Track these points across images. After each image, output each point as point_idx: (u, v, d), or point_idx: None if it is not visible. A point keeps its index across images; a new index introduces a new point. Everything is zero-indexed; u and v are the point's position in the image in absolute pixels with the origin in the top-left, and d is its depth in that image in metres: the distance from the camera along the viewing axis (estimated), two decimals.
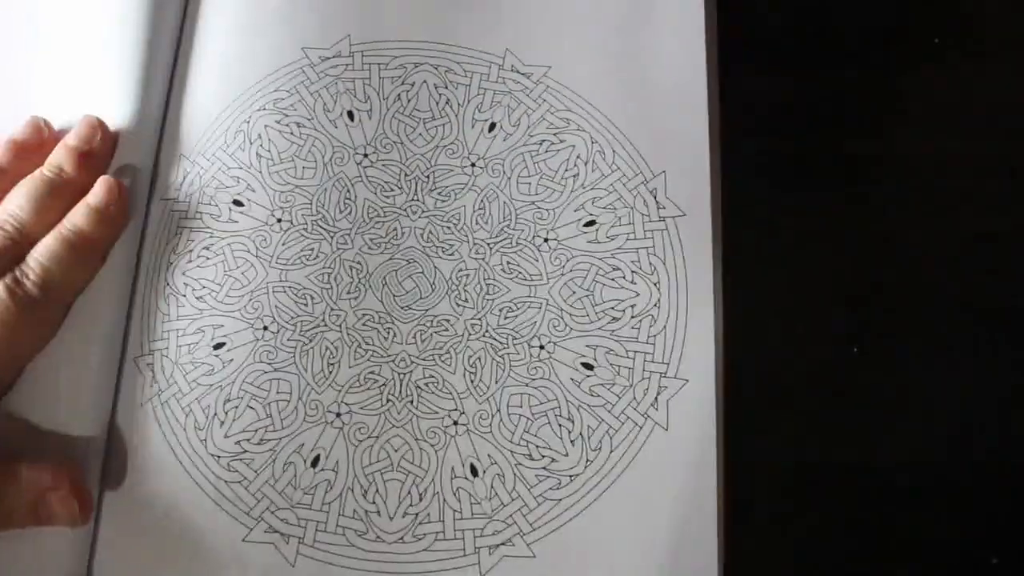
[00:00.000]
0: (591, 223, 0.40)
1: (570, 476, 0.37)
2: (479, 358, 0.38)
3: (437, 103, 0.41)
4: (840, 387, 0.39)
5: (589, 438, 0.38)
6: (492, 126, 0.41)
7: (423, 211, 0.40)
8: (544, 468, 0.37)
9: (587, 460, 0.37)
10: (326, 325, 0.38)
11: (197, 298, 0.39)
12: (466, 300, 0.39)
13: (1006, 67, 0.43)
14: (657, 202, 0.40)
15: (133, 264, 0.39)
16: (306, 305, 0.39)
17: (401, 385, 0.38)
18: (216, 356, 0.38)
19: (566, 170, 0.41)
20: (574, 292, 0.39)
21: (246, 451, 0.37)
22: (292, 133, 0.41)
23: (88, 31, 0.41)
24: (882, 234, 0.41)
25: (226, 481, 0.37)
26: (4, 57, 0.42)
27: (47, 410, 0.35)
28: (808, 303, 0.40)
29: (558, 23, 0.42)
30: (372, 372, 0.38)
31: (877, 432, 0.39)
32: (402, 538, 0.36)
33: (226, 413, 0.38)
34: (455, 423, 0.38)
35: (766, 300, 0.40)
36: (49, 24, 0.42)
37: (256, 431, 0.37)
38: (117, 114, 0.39)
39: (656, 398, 0.38)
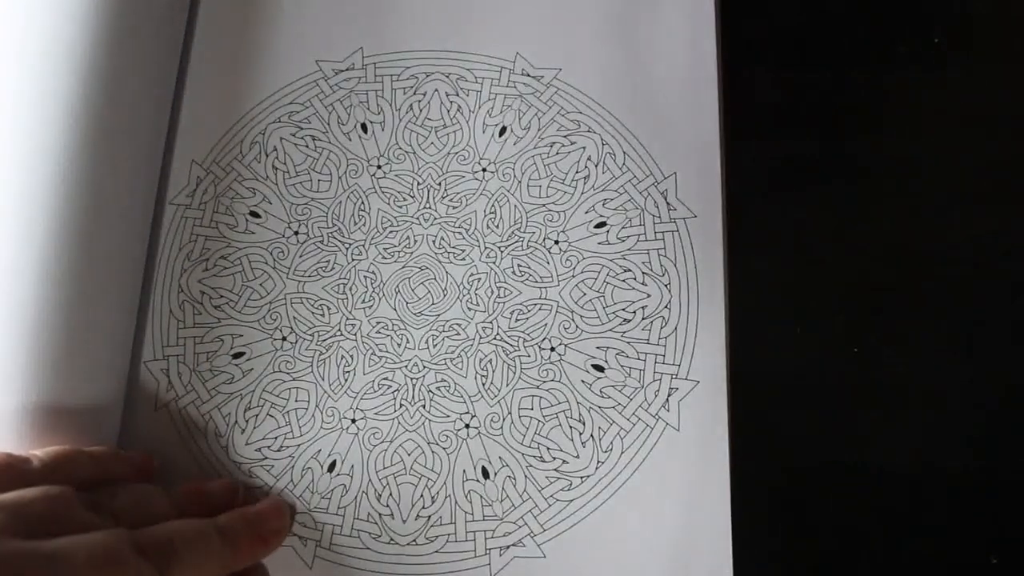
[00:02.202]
0: (602, 225, 0.40)
1: (581, 477, 0.37)
2: (490, 361, 0.39)
3: (448, 111, 0.42)
4: (841, 387, 0.39)
5: (600, 440, 0.38)
6: (503, 130, 0.42)
7: (435, 218, 0.41)
8: (555, 470, 0.38)
9: (598, 461, 0.38)
10: (342, 334, 0.39)
11: (215, 307, 0.40)
12: (477, 304, 0.39)
13: (1006, 67, 0.42)
14: (668, 203, 0.40)
15: (142, 266, 0.40)
16: (323, 316, 0.40)
17: (414, 390, 0.39)
18: (236, 365, 0.39)
19: (576, 172, 0.41)
20: (585, 294, 0.39)
21: (266, 458, 0.38)
22: (307, 146, 0.42)
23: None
24: (883, 234, 0.40)
25: (247, 487, 0.38)
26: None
27: (58, 411, 0.36)
28: (810, 303, 0.40)
29: (568, 25, 0.43)
30: (386, 378, 0.39)
31: (877, 432, 0.38)
32: (415, 540, 0.37)
33: (247, 421, 0.39)
34: (467, 426, 0.38)
35: (773, 300, 0.39)
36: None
37: (276, 438, 0.38)
38: (121, 107, 0.39)
39: (667, 399, 0.38)
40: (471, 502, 0.37)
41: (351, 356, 0.39)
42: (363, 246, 0.40)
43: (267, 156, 0.41)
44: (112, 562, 0.29)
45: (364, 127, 0.42)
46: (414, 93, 0.42)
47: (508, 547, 0.37)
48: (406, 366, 0.39)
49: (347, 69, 0.43)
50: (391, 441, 0.38)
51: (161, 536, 0.31)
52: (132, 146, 0.39)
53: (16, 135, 0.36)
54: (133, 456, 0.37)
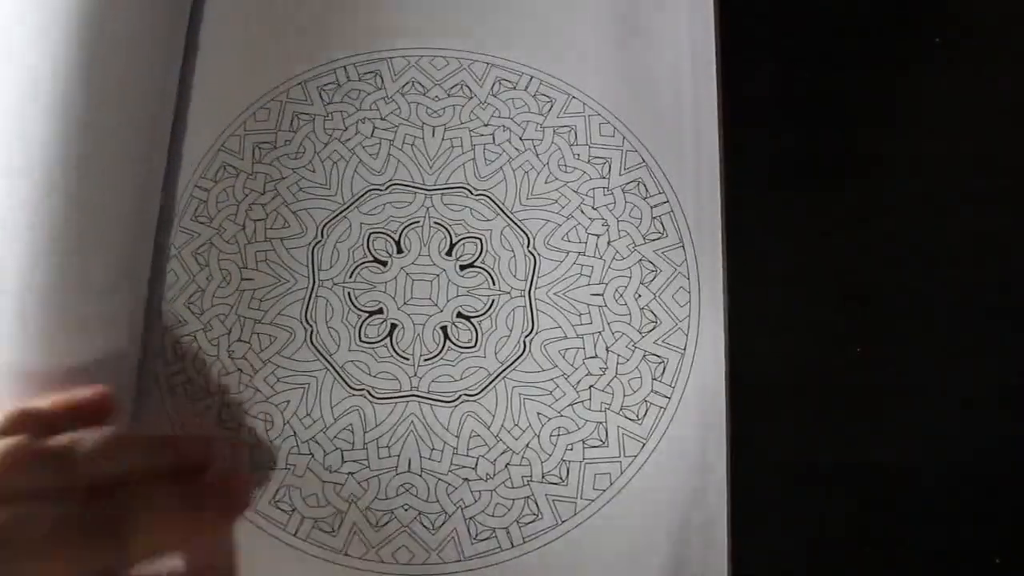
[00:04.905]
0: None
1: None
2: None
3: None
4: (842, 386, 0.39)
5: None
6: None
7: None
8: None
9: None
10: None
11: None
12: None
13: (1006, 67, 0.43)
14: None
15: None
16: None
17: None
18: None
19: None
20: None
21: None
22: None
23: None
24: (882, 234, 0.40)
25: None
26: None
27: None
28: (810, 303, 0.40)
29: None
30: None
31: (879, 431, 0.38)
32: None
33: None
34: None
35: (773, 300, 0.39)
36: None
37: None
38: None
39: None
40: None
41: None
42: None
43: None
44: (61, 543, 0.28)
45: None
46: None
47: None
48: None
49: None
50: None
51: (115, 509, 0.30)
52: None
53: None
54: (85, 399, 0.35)
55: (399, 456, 0.38)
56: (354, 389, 0.39)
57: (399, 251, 0.40)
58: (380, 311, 0.39)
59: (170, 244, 0.40)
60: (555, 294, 0.39)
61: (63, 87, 0.36)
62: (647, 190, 0.40)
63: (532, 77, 0.42)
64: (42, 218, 0.35)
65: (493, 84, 0.42)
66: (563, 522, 0.37)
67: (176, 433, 0.38)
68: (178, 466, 0.34)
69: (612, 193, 0.40)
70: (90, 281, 0.37)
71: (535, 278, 0.40)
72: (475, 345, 0.39)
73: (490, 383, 0.38)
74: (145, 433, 0.35)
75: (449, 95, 0.42)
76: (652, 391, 0.38)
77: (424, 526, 0.37)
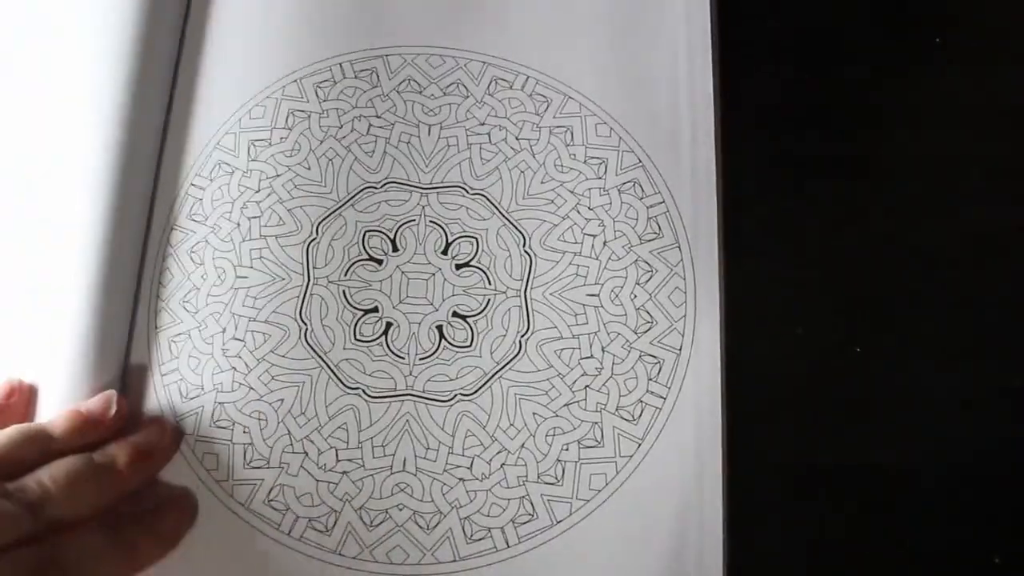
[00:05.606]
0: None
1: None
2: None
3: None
4: (841, 387, 0.38)
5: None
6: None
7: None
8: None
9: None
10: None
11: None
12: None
13: (1006, 67, 0.42)
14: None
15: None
16: None
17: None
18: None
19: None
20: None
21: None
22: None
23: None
24: (882, 234, 0.40)
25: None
26: None
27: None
28: (809, 303, 0.39)
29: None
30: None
31: (878, 432, 0.38)
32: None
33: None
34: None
35: (772, 301, 0.39)
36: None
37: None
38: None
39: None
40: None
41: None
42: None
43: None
44: None
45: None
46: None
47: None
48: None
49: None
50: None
51: (29, 481, 0.32)
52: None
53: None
54: None
55: (394, 455, 0.38)
56: (349, 388, 0.38)
57: (394, 249, 0.40)
58: (375, 309, 0.39)
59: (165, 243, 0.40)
60: (551, 294, 0.39)
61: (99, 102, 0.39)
62: (643, 190, 0.40)
63: (528, 77, 0.42)
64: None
65: (489, 83, 0.42)
66: (558, 522, 0.37)
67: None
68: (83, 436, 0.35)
69: (608, 193, 0.40)
70: (119, 292, 0.39)
71: (531, 278, 0.39)
72: (471, 344, 0.39)
73: (485, 383, 0.38)
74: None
75: (445, 93, 0.42)
76: (648, 391, 0.38)
77: (419, 526, 0.37)
